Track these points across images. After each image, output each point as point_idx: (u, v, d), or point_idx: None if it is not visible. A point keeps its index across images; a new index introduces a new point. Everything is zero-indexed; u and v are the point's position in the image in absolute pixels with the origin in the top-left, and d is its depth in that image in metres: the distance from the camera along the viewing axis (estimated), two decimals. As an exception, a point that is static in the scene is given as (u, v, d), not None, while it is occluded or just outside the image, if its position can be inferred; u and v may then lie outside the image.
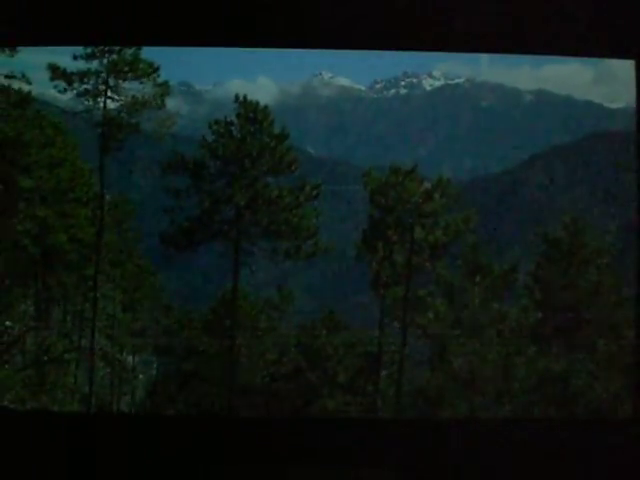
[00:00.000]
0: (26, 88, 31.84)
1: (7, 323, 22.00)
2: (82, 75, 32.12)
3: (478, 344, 26.33)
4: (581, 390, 27.14)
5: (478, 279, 27.67)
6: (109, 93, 32.47)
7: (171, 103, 34.39)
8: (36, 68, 31.93)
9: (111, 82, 32.36)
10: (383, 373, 32.11)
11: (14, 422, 6.05)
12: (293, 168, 33.12)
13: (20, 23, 4.94)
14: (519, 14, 5.20)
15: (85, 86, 32.29)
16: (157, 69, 32.47)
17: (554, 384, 26.73)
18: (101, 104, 32.52)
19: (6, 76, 31.07)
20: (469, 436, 5.95)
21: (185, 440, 5.66)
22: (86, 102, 32.50)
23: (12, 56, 30.48)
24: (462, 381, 26.33)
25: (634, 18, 5.30)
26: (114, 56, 32.06)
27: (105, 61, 32.17)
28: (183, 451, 5.56)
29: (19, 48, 28.36)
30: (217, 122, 33.22)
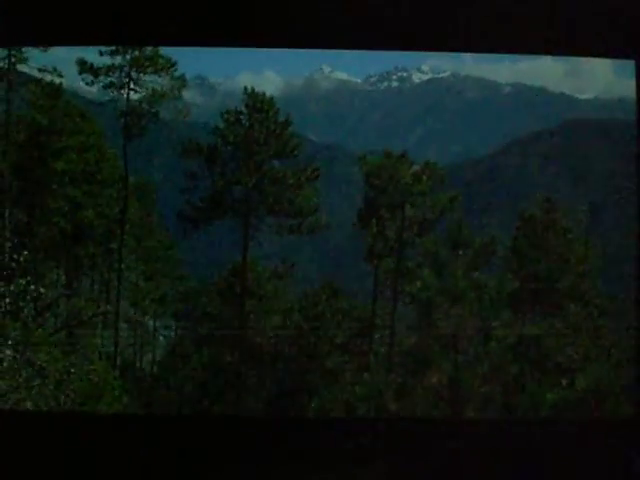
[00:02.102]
0: (57, 81, 31.85)
1: (41, 290, 21.94)
2: (107, 69, 32.11)
3: (461, 309, 26.35)
4: (552, 350, 27.17)
5: (461, 251, 27.63)
6: (132, 85, 32.46)
7: (187, 94, 34.43)
8: (66, 63, 31.91)
9: (133, 76, 32.33)
10: (376, 335, 32.17)
11: (14, 422, 5.79)
12: (296, 152, 33.09)
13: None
14: (518, 14, 4.98)
15: (110, 79, 32.30)
16: (174, 64, 32.45)
17: (528, 345, 26.78)
18: (124, 95, 32.54)
19: (39, 70, 31.05)
20: (469, 436, 5.65)
21: (185, 440, 5.40)
22: (111, 93, 32.56)
23: (45, 51, 30.44)
24: (446, 342, 26.37)
25: (634, 18, 5.03)
26: (136, 52, 32.00)
27: (128, 57, 32.12)
28: (183, 451, 5.31)
29: (49, 45, 28.30)
30: (228, 112, 33.17)
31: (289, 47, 5.12)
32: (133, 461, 5.07)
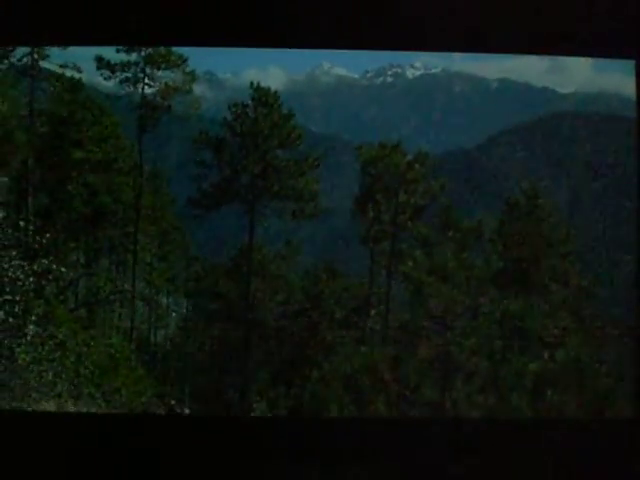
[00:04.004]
0: (77, 76, 31.79)
1: (62, 270, 21.96)
2: (123, 65, 32.03)
3: (450, 288, 26.35)
4: (535, 326, 27.17)
5: (450, 234, 27.63)
6: (146, 80, 32.37)
7: (197, 89, 34.25)
8: (85, 59, 31.88)
9: (148, 71, 32.24)
10: (372, 312, 32.18)
11: (14, 422, 5.58)
12: (298, 143, 33.01)
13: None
14: (518, 14, 4.80)
15: (126, 74, 32.20)
16: (186, 60, 32.35)
17: (513, 321, 26.78)
18: (139, 90, 32.43)
19: (60, 66, 30.98)
20: (468, 436, 5.39)
21: (185, 440, 5.18)
22: (127, 88, 32.45)
23: (65, 49, 30.33)
24: (436, 318, 26.38)
25: (634, 18, 4.80)
26: (150, 50, 31.89)
27: (142, 54, 32.02)
28: (183, 451, 5.10)
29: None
30: (235, 105, 33.06)
31: (291, 47, 5.07)
32: (133, 461, 4.87)
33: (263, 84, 33.21)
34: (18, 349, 16.43)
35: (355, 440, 5.15)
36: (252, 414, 28.45)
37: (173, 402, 27.79)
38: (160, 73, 32.39)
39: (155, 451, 5.02)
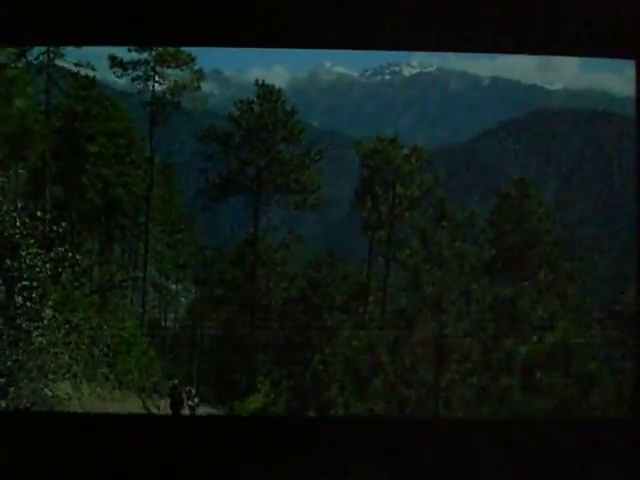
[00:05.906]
0: (91, 74, 31.72)
1: (77, 257, 21.96)
2: (135, 64, 32.02)
3: (444, 274, 26.31)
4: (525, 310, 27.14)
5: (445, 224, 27.57)
6: (156, 78, 32.32)
7: (205, 86, 34.20)
8: (99, 58, 31.86)
9: (158, 69, 32.20)
10: (370, 297, 32.17)
11: (14, 422, 5.43)
12: (300, 137, 33.03)
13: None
14: (519, 14, 4.67)
15: (137, 72, 32.19)
16: (194, 59, 32.31)
17: (504, 306, 26.74)
18: (150, 87, 32.40)
19: (75, 64, 30.93)
20: (467, 436, 5.22)
21: (185, 440, 5.04)
22: (138, 85, 32.45)
23: (79, 48, 30.28)
24: (431, 304, 26.35)
25: (634, 18, 4.67)
26: (160, 49, 31.85)
27: (153, 53, 31.97)
28: (183, 452, 4.96)
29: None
30: (241, 101, 33.08)
31: (294, 47, 5.05)
32: (133, 461, 4.74)
33: (267, 82, 33.28)
34: (35, 332, 16.41)
35: (355, 440, 5.03)
36: (257, 394, 28.51)
37: (175, 381, 27.74)
38: (170, 71, 32.38)
39: (156, 451, 4.91)
